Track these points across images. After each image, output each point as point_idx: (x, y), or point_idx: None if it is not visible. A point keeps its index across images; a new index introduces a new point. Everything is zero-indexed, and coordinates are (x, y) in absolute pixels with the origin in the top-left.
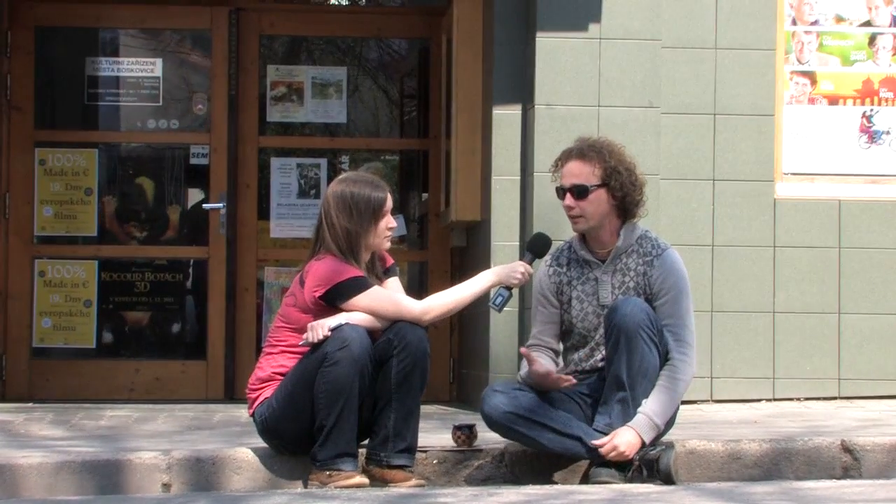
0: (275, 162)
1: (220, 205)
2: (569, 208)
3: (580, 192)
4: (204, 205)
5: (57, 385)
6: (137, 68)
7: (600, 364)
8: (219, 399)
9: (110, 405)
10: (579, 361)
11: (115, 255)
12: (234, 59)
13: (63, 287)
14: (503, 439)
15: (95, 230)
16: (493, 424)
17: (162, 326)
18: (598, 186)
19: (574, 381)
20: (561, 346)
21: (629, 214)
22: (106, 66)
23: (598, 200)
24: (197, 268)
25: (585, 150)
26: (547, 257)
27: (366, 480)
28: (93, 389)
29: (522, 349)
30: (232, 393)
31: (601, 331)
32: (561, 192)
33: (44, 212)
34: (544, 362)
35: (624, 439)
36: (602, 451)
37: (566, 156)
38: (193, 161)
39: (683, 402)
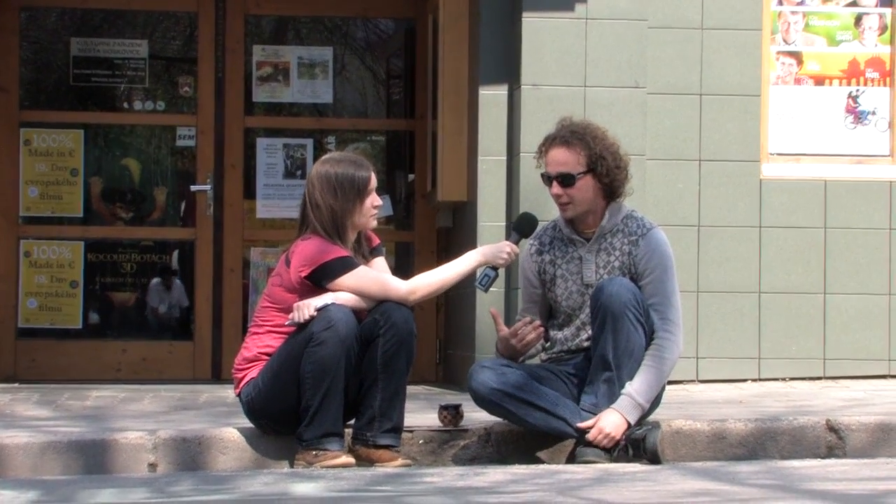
0: (261, 142)
1: (207, 186)
2: (557, 196)
3: (567, 180)
4: (191, 186)
5: (43, 366)
6: (123, 49)
7: (586, 344)
8: (205, 379)
9: (97, 386)
10: (565, 341)
11: (101, 236)
12: (221, 40)
13: (49, 268)
14: (489, 419)
15: (81, 211)
16: (480, 401)
17: (148, 307)
18: (585, 173)
19: (540, 324)
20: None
21: (615, 195)
22: (92, 47)
23: (586, 187)
24: (184, 249)
25: (569, 137)
26: (531, 237)
27: (352, 460)
28: (79, 370)
29: (492, 309)
30: (218, 373)
31: (586, 310)
32: (547, 179)
33: (29, 192)
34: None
35: (608, 423)
36: (588, 437)
37: (549, 142)
38: (180, 143)
39: (669, 383)
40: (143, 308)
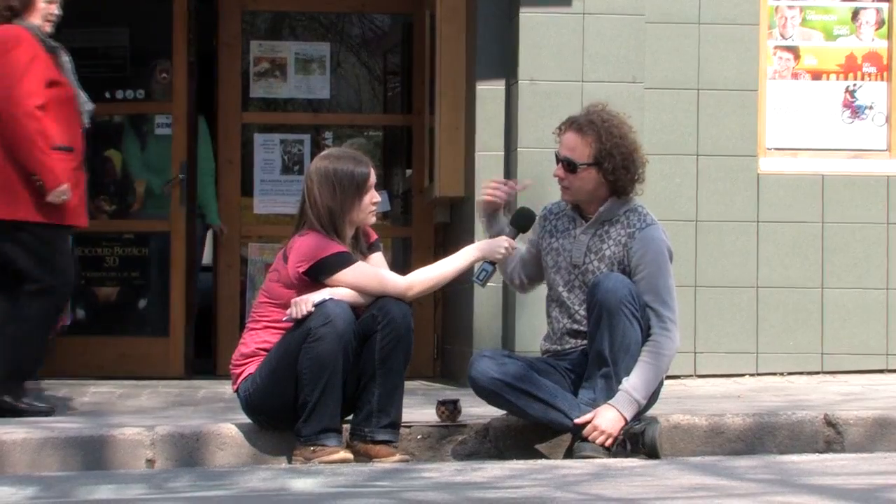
0: (258, 138)
1: (181, 176)
2: (559, 178)
3: (571, 166)
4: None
5: None
6: (109, 39)
7: (578, 327)
8: (203, 375)
9: (94, 382)
10: (559, 319)
11: (85, 230)
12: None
13: None
14: (487, 414)
15: None
16: (479, 390)
17: (139, 302)
18: (589, 165)
19: (512, 185)
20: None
21: (620, 193)
22: (73, 38)
23: (587, 178)
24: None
25: (584, 126)
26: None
27: (350, 456)
28: (68, 366)
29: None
30: (216, 369)
31: (576, 292)
32: (557, 159)
33: None
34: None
35: (604, 419)
36: (583, 433)
37: (568, 124)
38: (159, 132)
39: (667, 377)
40: (136, 303)
